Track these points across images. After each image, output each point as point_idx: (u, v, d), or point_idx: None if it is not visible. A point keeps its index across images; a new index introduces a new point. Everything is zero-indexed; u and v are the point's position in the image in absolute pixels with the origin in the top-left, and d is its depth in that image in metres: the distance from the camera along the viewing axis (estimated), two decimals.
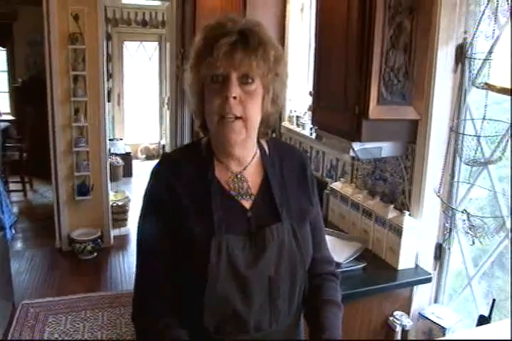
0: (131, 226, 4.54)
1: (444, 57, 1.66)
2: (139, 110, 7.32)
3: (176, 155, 1.20)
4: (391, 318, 1.72)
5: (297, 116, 2.75)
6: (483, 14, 1.50)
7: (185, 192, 1.03)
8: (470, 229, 1.54)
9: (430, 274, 1.78)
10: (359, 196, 2.05)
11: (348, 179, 2.27)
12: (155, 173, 1.08)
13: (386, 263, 1.82)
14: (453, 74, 1.69)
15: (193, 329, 1.02)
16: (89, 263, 3.85)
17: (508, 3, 1.41)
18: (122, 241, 4.31)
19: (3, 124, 5.77)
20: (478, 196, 1.70)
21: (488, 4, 1.49)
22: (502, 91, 1.03)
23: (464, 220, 1.55)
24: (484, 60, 1.51)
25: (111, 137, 6.40)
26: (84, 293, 3.31)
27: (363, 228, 1.97)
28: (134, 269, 1.11)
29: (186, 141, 4.36)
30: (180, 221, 1.01)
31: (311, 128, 2.49)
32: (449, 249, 1.81)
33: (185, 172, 1.06)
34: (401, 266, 1.77)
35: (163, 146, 6.93)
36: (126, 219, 4.62)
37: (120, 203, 4.56)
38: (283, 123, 2.91)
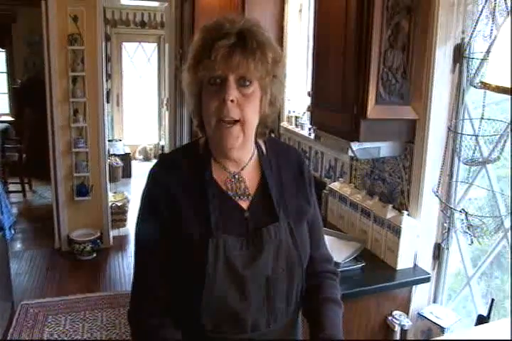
0: (131, 226, 4.54)
1: (442, 57, 1.66)
2: (138, 111, 7.32)
3: (173, 155, 1.21)
4: (390, 318, 1.72)
5: (296, 117, 2.75)
6: (480, 14, 1.50)
7: (183, 193, 1.03)
8: (468, 228, 1.54)
9: (429, 274, 1.78)
10: (358, 196, 2.05)
11: (347, 179, 2.28)
12: (152, 174, 1.08)
13: (385, 263, 1.82)
14: (451, 74, 1.69)
15: (191, 329, 1.03)
16: (88, 264, 3.85)
17: (505, 3, 1.42)
18: (121, 242, 4.31)
19: (3, 125, 5.78)
20: (477, 196, 1.70)
21: (485, 4, 1.49)
22: (497, 89, 1.04)
23: (463, 220, 1.56)
24: (482, 59, 1.51)
25: (110, 138, 6.40)
26: (84, 293, 3.31)
27: (362, 228, 1.98)
28: (132, 269, 1.11)
29: (185, 141, 4.36)
30: (178, 221, 1.01)
31: (309, 129, 2.49)
32: (448, 248, 1.81)
33: (183, 172, 1.06)
34: (400, 266, 1.77)
35: (162, 147, 6.94)
36: (125, 220, 4.62)
37: (119, 204, 4.56)
38: (282, 124, 2.91)
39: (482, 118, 1.54)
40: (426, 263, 1.83)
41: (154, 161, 1.16)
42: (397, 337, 1.71)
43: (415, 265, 1.80)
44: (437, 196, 1.71)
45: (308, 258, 1.11)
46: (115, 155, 6.19)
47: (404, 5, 1.61)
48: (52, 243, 4.09)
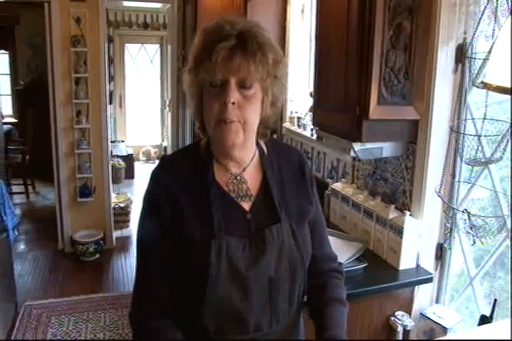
0: (133, 227, 4.55)
1: (444, 58, 1.66)
2: (141, 112, 7.34)
3: (175, 157, 1.21)
4: (392, 318, 1.72)
5: (298, 117, 2.75)
6: (482, 14, 1.50)
7: (185, 194, 1.03)
8: (471, 228, 1.54)
9: (431, 274, 1.78)
10: (360, 196, 2.05)
11: (349, 179, 2.28)
12: (154, 175, 1.08)
13: (387, 263, 1.82)
14: (453, 74, 1.69)
15: (194, 330, 1.03)
16: (91, 265, 3.86)
17: (507, 3, 1.42)
18: (124, 243, 4.32)
19: (6, 127, 5.79)
20: (480, 196, 1.70)
21: (487, 4, 1.49)
22: (497, 89, 1.04)
23: (465, 220, 1.55)
24: (484, 59, 1.51)
25: (113, 139, 6.41)
26: (87, 294, 3.32)
27: (364, 228, 1.98)
28: (134, 270, 1.11)
29: (188, 142, 4.37)
30: (180, 223, 1.01)
31: (311, 129, 2.49)
32: (450, 249, 1.81)
33: (185, 174, 1.06)
34: (402, 266, 1.77)
35: (165, 148, 6.95)
36: (128, 221, 4.63)
37: (122, 205, 4.57)
38: (284, 125, 2.91)
39: (484, 118, 1.54)
40: (428, 264, 1.83)
41: (157, 162, 1.16)
42: (400, 337, 1.71)
43: (418, 265, 1.80)
44: (440, 196, 1.71)
45: (309, 258, 1.11)
46: (118, 156, 6.21)
47: (406, 5, 1.61)
48: (55, 244, 4.10)
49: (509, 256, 1.60)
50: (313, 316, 1.13)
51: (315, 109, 2.04)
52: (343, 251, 1.80)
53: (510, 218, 1.52)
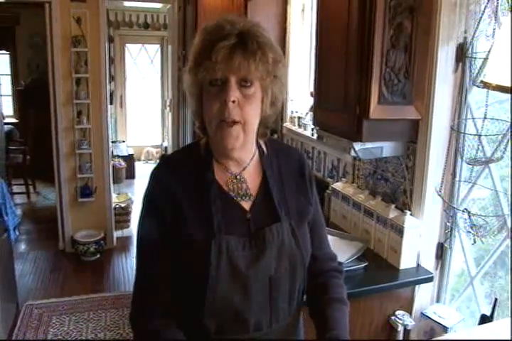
0: (134, 227, 4.55)
1: (445, 57, 1.66)
2: (141, 112, 7.34)
3: (175, 156, 1.21)
4: (393, 318, 1.72)
5: (299, 117, 2.76)
6: (483, 13, 1.50)
7: (185, 194, 1.03)
8: (471, 228, 1.54)
9: (432, 273, 1.78)
10: (360, 196, 2.06)
11: (350, 179, 2.28)
12: (154, 174, 1.08)
13: (388, 262, 1.82)
14: (453, 73, 1.69)
15: (194, 330, 1.03)
16: (92, 265, 3.86)
17: (508, 3, 1.42)
18: (125, 243, 4.32)
19: (7, 127, 5.80)
20: (480, 195, 1.70)
21: (488, 3, 1.49)
22: (497, 88, 1.04)
23: (466, 219, 1.56)
24: (485, 59, 1.51)
25: (113, 139, 6.41)
26: (88, 294, 3.33)
27: (365, 228, 1.98)
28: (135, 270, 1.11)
29: (188, 142, 4.36)
30: (180, 222, 1.01)
31: (312, 129, 2.49)
32: (451, 248, 1.81)
33: (185, 173, 1.06)
34: (402, 266, 1.77)
35: (166, 148, 6.95)
36: (128, 221, 4.63)
37: (123, 205, 4.58)
38: (285, 124, 2.91)
39: (485, 117, 1.54)
40: (429, 263, 1.83)
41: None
42: (400, 336, 1.71)
43: (418, 265, 1.80)
44: (440, 196, 1.71)
45: (309, 257, 1.11)
46: (119, 156, 6.21)
47: (407, 5, 1.61)
48: (56, 244, 4.11)
49: (509, 255, 1.60)
50: (313, 316, 1.13)
51: (315, 109, 2.04)
52: (343, 251, 1.80)
53: (510, 217, 1.52)
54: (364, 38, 1.62)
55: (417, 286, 1.80)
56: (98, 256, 3.95)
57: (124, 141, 6.84)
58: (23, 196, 5.43)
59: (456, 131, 1.68)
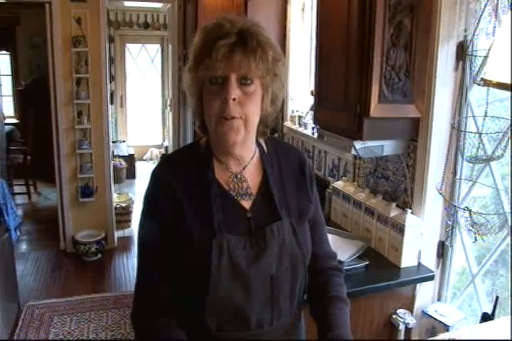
0: (135, 227, 4.55)
1: (445, 55, 1.66)
2: (142, 112, 7.34)
3: (175, 156, 1.21)
4: (394, 316, 1.72)
5: (299, 116, 2.76)
6: (483, 12, 1.50)
7: (185, 193, 1.03)
8: (472, 226, 1.54)
9: (433, 272, 1.78)
10: (361, 195, 2.06)
11: (350, 178, 2.28)
12: (155, 174, 1.08)
13: (389, 261, 1.82)
14: (454, 71, 1.69)
15: (195, 328, 1.03)
16: (93, 265, 3.86)
17: (507, 0, 1.42)
18: (126, 243, 4.32)
19: (7, 127, 5.80)
20: (481, 194, 1.70)
21: (488, 2, 1.49)
22: (498, 85, 1.04)
23: (466, 218, 1.55)
24: (485, 57, 1.51)
25: (114, 139, 6.42)
26: (89, 294, 3.33)
27: (366, 226, 1.98)
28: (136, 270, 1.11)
29: (189, 142, 4.37)
30: (180, 222, 1.01)
31: (313, 128, 2.49)
32: (452, 246, 1.81)
33: (185, 173, 1.06)
34: (404, 264, 1.77)
35: (166, 148, 6.96)
36: (129, 221, 4.64)
37: (124, 205, 4.58)
38: (285, 123, 2.91)
39: (486, 115, 1.54)
40: (430, 261, 1.83)
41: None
42: (402, 335, 1.71)
43: (419, 263, 1.80)
44: (441, 194, 1.71)
45: (310, 256, 1.11)
46: (119, 156, 6.21)
47: (407, 3, 1.61)
48: (57, 244, 4.11)
49: (510, 253, 1.60)
50: (314, 314, 1.13)
51: (316, 108, 2.04)
52: (344, 250, 1.80)
53: (511, 215, 1.52)
54: (364, 36, 1.62)
55: (418, 285, 1.80)
56: (99, 256, 3.96)
57: (124, 141, 6.84)
58: (24, 196, 5.43)
59: (456, 129, 1.68)
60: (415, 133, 1.78)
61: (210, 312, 1.00)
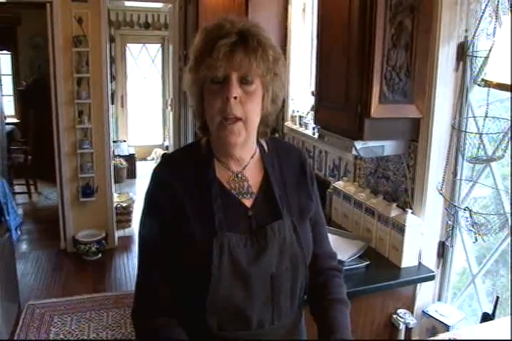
0: (135, 227, 4.55)
1: (446, 56, 1.66)
2: (143, 112, 7.35)
3: (176, 155, 1.22)
4: (394, 316, 1.72)
5: (300, 116, 2.76)
6: (484, 12, 1.51)
7: (186, 193, 1.03)
8: (473, 226, 1.54)
9: (433, 272, 1.78)
10: (362, 195, 2.06)
11: (351, 178, 2.28)
12: (155, 174, 1.09)
13: (389, 261, 1.82)
14: (454, 72, 1.69)
15: (196, 328, 1.03)
16: (93, 264, 3.87)
17: (508, 1, 1.42)
18: (126, 242, 4.33)
19: (8, 127, 5.80)
20: (482, 194, 1.70)
21: (488, 2, 1.50)
22: (498, 86, 1.04)
23: (467, 218, 1.56)
24: (486, 57, 1.51)
25: (114, 139, 6.42)
26: (89, 293, 3.33)
27: (366, 226, 1.98)
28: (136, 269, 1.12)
29: (189, 141, 4.37)
30: (181, 221, 1.02)
31: (313, 128, 2.50)
32: (452, 246, 1.82)
33: (186, 172, 1.07)
34: (404, 264, 1.77)
35: (167, 147, 6.96)
36: (130, 221, 4.64)
37: (124, 204, 4.58)
38: (286, 123, 2.91)
39: (486, 116, 1.54)
40: (430, 262, 1.83)
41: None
42: (402, 335, 1.71)
43: (420, 263, 1.80)
44: (441, 194, 1.71)
45: (311, 255, 1.11)
46: (120, 156, 6.22)
47: (408, 4, 1.61)
48: (57, 244, 4.11)
49: (510, 253, 1.60)
50: (314, 315, 1.14)
51: (316, 108, 2.05)
52: (345, 250, 1.80)
53: (511, 216, 1.52)
54: (365, 37, 1.62)
55: (418, 285, 1.80)
56: (99, 255, 3.96)
57: (125, 141, 6.85)
58: (24, 196, 5.44)
59: (457, 129, 1.68)
60: (416, 133, 1.78)
61: (211, 312, 1.01)
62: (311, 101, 2.54)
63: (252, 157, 1.09)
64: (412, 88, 1.69)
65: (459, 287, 1.87)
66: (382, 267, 1.79)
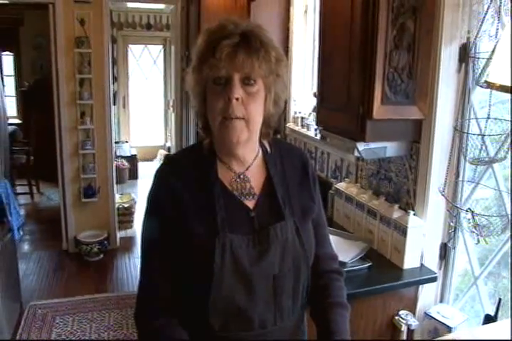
0: (137, 228, 4.56)
1: (448, 57, 1.66)
2: (145, 113, 7.36)
3: (178, 156, 1.22)
4: (396, 318, 1.72)
5: (302, 117, 2.76)
6: (486, 13, 1.50)
7: (188, 193, 1.03)
8: (475, 228, 1.54)
9: (435, 273, 1.78)
10: (364, 196, 2.06)
11: (353, 179, 2.28)
12: (158, 174, 1.09)
13: (391, 262, 1.82)
14: (457, 73, 1.69)
15: (198, 328, 1.03)
16: (95, 265, 3.87)
17: (511, 2, 1.42)
18: (128, 243, 4.33)
19: (10, 128, 5.81)
20: (484, 195, 1.70)
21: (491, 4, 1.49)
22: (501, 88, 1.04)
23: (469, 219, 1.56)
24: (488, 59, 1.51)
25: (116, 140, 6.43)
26: (91, 294, 3.33)
27: (368, 228, 1.98)
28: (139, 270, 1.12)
29: (191, 142, 4.37)
30: (183, 222, 1.02)
31: (315, 129, 2.50)
32: (454, 248, 1.81)
33: (188, 173, 1.07)
34: (406, 266, 1.77)
35: (169, 148, 6.96)
36: (132, 221, 4.64)
37: (126, 205, 4.58)
38: (288, 125, 2.92)
39: (488, 117, 1.54)
40: (432, 263, 1.83)
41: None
42: (404, 336, 1.71)
43: (422, 264, 1.80)
44: (443, 195, 1.71)
45: (313, 256, 1.11)
46: (122, 156, 6.22)
47: (410, 5, 1.62)
48: (59, 244, 4.12)
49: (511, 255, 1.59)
50: (315, 318, 1.13)
51: (318, 109, 2.05)
52: (347, 251, 1.80)
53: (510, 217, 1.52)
54: (367, 38, 1.62)
55: (420, 286, 1.80)
56: (101, 256, 3.96)
57: (127, 142, 6.85)
58: (26, 196, 5.44)
59: (459, 131, 1.68)
60: (418, 134, 1.78)
61: (213, 312, 1.01)
62: (313, 102, 2.54)
63: (255, 158, 1.09)
64: (414, 89, 1.69)
65: (461, 288, 1.87)
66: (384, 268, 1.79)
